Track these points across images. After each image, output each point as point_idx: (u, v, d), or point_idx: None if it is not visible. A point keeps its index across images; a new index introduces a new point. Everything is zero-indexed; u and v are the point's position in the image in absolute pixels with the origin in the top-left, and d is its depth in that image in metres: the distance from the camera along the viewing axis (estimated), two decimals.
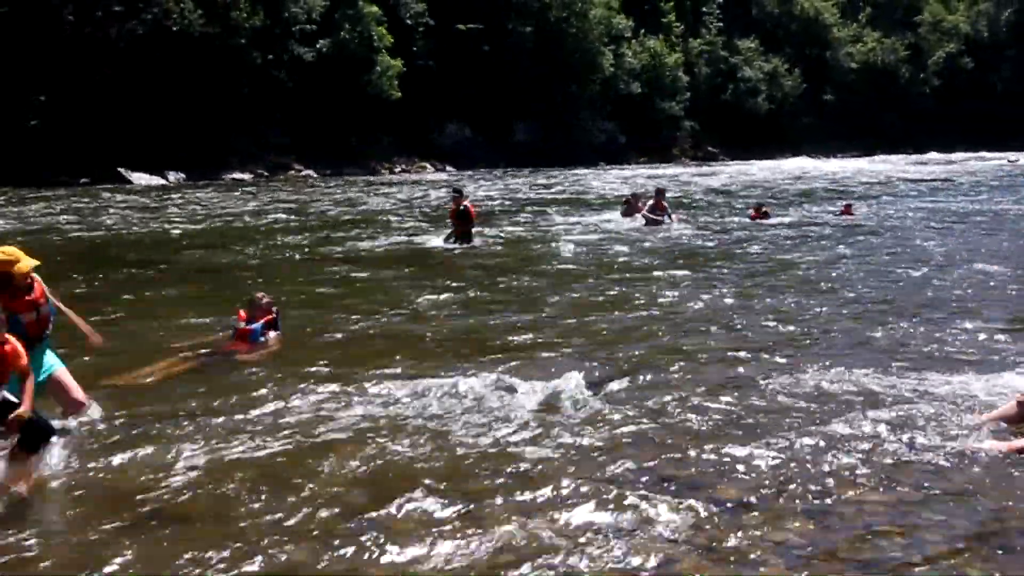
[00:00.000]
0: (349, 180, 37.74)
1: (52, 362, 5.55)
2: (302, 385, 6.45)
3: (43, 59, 34.86)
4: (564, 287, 10.90)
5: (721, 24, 71.04)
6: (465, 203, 15.36)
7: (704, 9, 71.26)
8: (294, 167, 42.28)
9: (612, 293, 10.46)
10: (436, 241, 15.56)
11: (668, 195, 19.61)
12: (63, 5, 35.37)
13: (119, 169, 34.86)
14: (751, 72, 70.06)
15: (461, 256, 14.15)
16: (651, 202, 18.59)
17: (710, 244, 15.57)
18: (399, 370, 6.91)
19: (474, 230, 15.38)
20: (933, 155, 56.70)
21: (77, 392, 5.55)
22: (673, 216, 18.36)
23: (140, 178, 35.02)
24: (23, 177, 31.57)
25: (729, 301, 9.86)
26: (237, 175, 38.83)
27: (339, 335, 8.34)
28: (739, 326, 8.50)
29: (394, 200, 26.87)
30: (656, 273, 12.02)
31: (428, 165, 47.73)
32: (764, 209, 19.03)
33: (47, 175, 32.58)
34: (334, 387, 6.35)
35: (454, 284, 11.01)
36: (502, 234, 17.21)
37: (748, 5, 75.41)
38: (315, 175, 41.00)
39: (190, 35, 38.29)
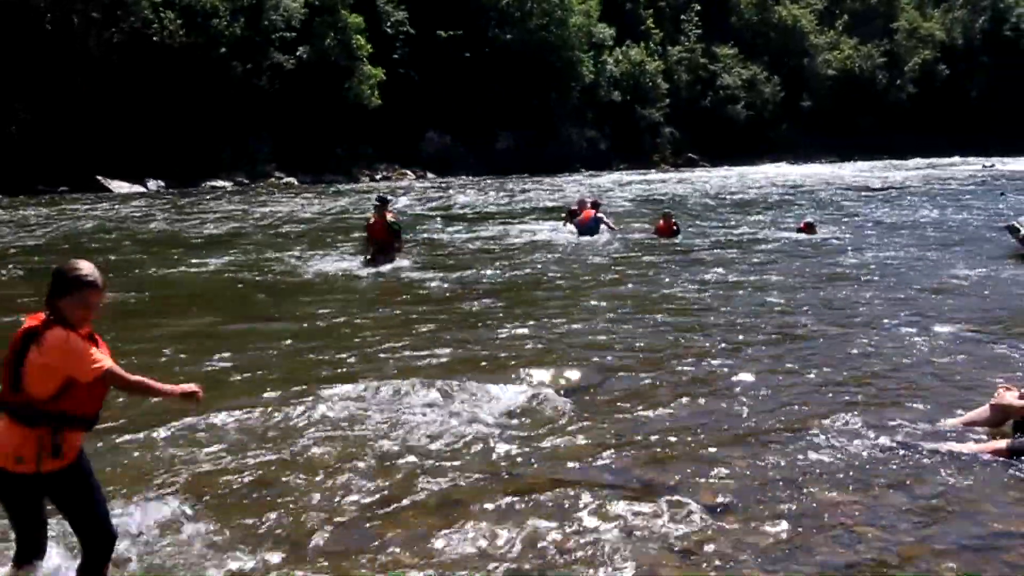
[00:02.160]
0: (321, 189, 37.65)
1: None
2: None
3: (22, 66, 34.58)
4: (529, 297, 10.76)
5: (700, 32, 71.43)
6: (391, 216, 13.15)
7: (683, 17, 71.62)
8: (275, 175, 42.13)
9: (578, 302, 10.31)
10: (347, 264, 13.07)
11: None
12: (42, 13, 35.12)
13: (98, 177, 34.61)
14: (730, 79, 70.46)
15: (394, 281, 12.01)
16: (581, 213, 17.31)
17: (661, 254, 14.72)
18: (372, 380, 6.85)
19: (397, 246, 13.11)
20: (912, 161, 57.23)
21: None
22: (610, 227, 17.14)
23: (120, 186, 34.78)
24: (4, 186, 31.29)
25: (698, 308, 9.89)
26: (218, 183, 38.66)
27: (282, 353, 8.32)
28: (712, 333, 8.50)
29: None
30: (611, 281, 11.89)
31: (410, 172, 47.69)
32: (812, 224, 17.01)
33: (26, 183, 32.31)
34: (306, 399, 6.29)
35: (394, 308, 9.93)
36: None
37: (726, 13, 75.87)
38: (296, 183, 40.89)
39: (169, 45, 38.13)
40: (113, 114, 36.21)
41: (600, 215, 17.16)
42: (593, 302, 10.13)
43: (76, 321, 3.40)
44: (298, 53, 44.03)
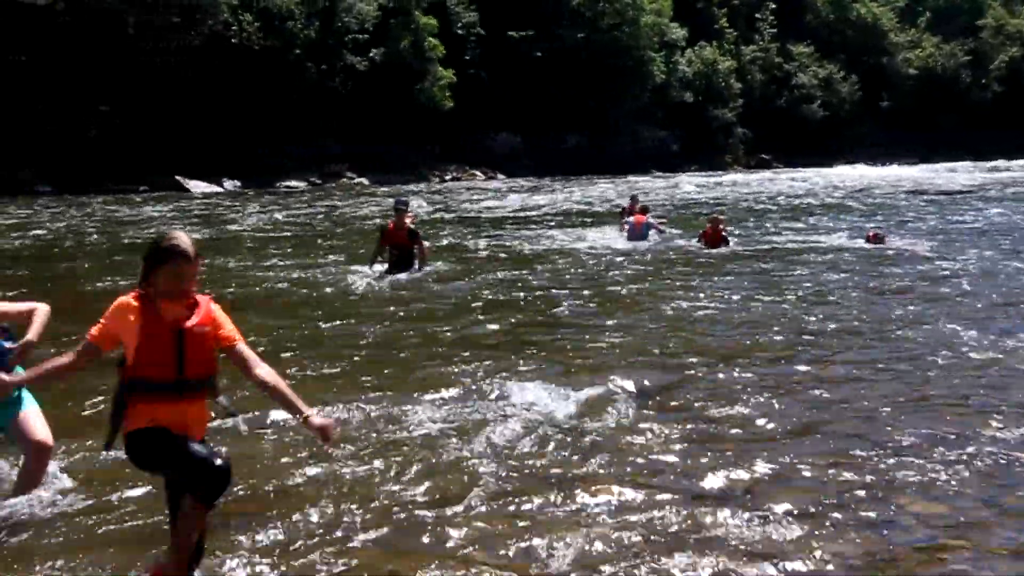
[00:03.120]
0: (397, 188, 38.00)
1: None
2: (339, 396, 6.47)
3: (104, 69, 35.75)
4: (585, 303, 10.49)
5: (775, 30, 70.22)
6: (410, 220, 12.42)
7: (757, 16, 70.52)
8: (347, 175, 42.75)
9: (638, 307, 10.04)
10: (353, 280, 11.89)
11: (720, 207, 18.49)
12: (125, 17, 36.24)
13: (177, 177, 35.56)
14: (805, 78, 69.10)
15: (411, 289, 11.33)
16: (631, 218, 16.93)
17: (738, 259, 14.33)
18: (440, 375, 6.87)
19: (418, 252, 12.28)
20: (995, 162, 55.22)
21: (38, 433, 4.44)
22: (660, 230, 16.72)
23: (197, 186, 35.67)
24: (84, 184, 32.39)
25: (774, 310, 9.64)
26: (291, 183, 39.38)
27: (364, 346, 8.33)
28: (787, 338, 8.24)
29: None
30: (677, 283, 11.67)
31: (479, 173, 47.90)
32: (879, 234, 15.54)
33: (107, 183, 33.38)
34: (378, 396, 6.31)
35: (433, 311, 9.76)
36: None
37: (802, 11, 74.43)
38: (367, 183, 41.40)
39: (247, 47, 39.01)
40: (192, 115, 37.21)
41: (651, 220, 16.79)
42: (652, 307, 9.85)
43: (168, 291, 3.41)
44: (371, 55, 44.62)
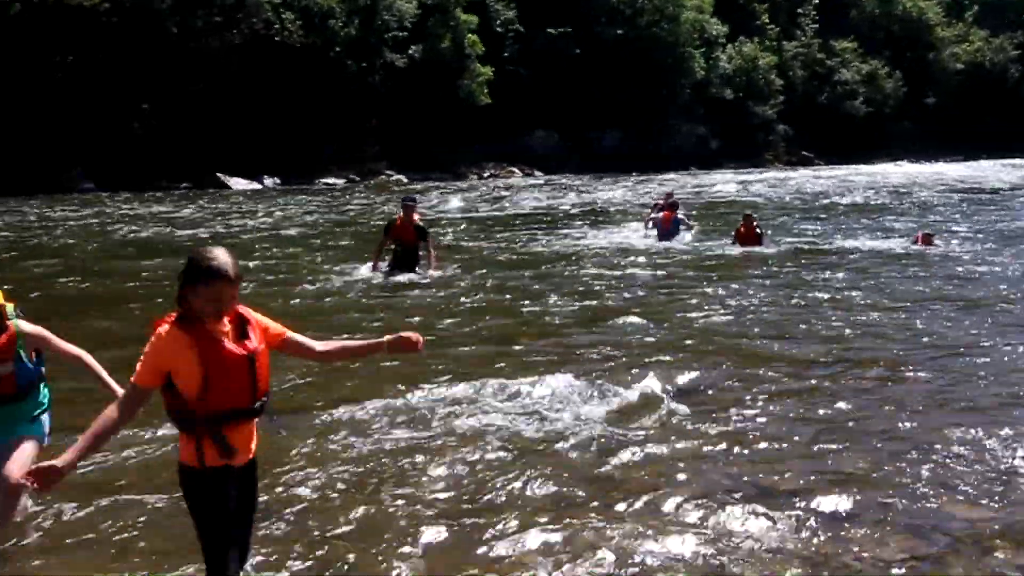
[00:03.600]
0: (434, 185, 38.10)
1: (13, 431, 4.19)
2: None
3: (147, 68, 36.27)
4: (618, 304, 10.27)
5: (817, 26, 69.28)
6: (418, 217, 12.08)
7: (799, 11, 69.62)
8: (385, 172, 42.96)
9: (671, 308, 9.84)
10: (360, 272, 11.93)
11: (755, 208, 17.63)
12: (168, 17, 36.74)
13: (218, 174, 36.00)
14: (848, 74, 68.09)
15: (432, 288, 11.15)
16: (659, 215, 16.67)
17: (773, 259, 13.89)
18: (479, 374, 6.84)
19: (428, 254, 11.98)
20: None
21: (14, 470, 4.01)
22: (689, 226, 16.42)
23: (238, 183, 36.08)
24: (127, 182, 32.91)
25: (812, 312, 9.48)
26: (330, 180, 39.68)
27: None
28: (827, 340, 8.10)
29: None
30: (710, 285, 11.42)
31: (516, 170, 47.86)
32: (931, 235, 14.89)
33: (150, 180, 33.88)
34: (414, 392, 6.30)
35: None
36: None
37: (845, 6, 73.33)
38: (405, 180, 41.58)
39: (289, 45, 39.37)
40: (233, 113, 37.60)
41: (680, 216, 16.40)
42: (686, 308, 9.69)
43: (206, 311, 3.09)
44: (410, 52, 44.79)
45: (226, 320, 3.15)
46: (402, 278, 11.46)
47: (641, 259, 13.92)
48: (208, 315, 3.09)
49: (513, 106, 48.70)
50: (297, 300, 10.51)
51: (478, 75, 46.41)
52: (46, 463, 2.96)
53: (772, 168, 55.42)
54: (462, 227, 19.73)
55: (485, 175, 46.01)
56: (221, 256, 3.09)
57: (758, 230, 15.03)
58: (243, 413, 3.16)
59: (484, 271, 12.60)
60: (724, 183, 36.59)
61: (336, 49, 41.69)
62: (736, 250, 14.53)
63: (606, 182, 38.39)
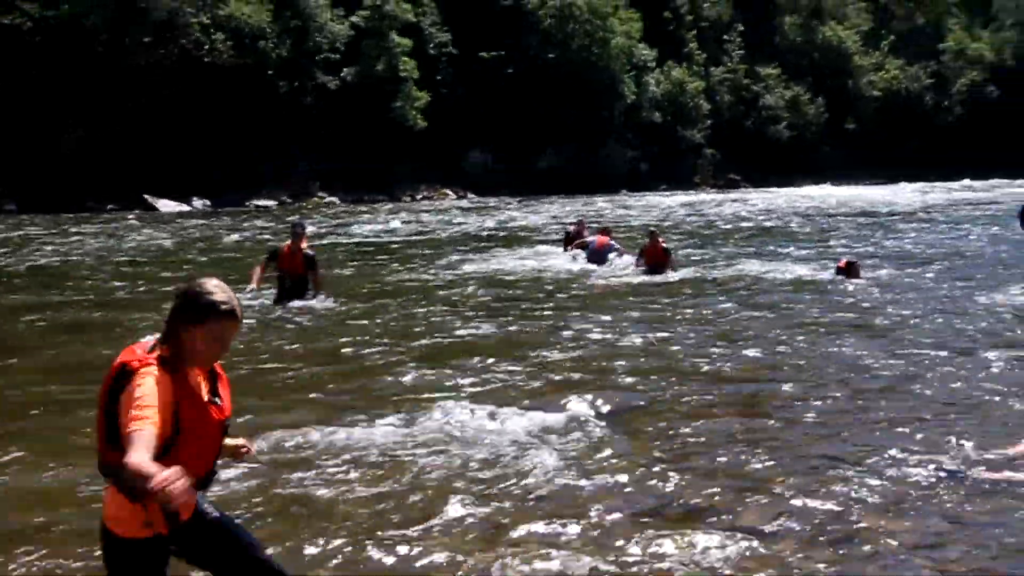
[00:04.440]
0: (368, 207, 37.99)
1: None
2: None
3: (74, 87, 35.51)
4: (546, 325, 10.39)
5: (742, 52, 71.19)
6: (307, 245, 11.38)
7: (726, 37, 71.46)
8: (318, 194, 42.67)
9: (600, 329, 9.89)
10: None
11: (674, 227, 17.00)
12: (94, 35, 36.05)
13: (145, 196, 35.32)
14: (772, 99, 70.03)
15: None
16: (593, 239, 16.31)
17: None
18: (397, 398, 6.86)
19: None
20: (960, 183, 56.26)
21: None
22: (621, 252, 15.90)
23: (166, 205, 35.46)
24: (53, 203, 32.08)
25: (735, 332, 9.73)
26: (262, 202, 39.24)
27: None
28: (754, 358, 8.33)
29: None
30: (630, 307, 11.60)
31: (450, 192, 47.99)
32: (855, 263, 13.91)
33: (77, 201, 33.10)
34: (332, 423, 6.23)
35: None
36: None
37: (770, 34, 75.53)
38: (338, 202, 41.35)
39: (219, 65, 38.96)
40: (162, 133, 37.00)
41: (612, 242, 16.22)
42: (602, 331, 9.71)
43: (198, 357, 2.70)
44: (343, 74, 44.71)
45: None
46: (297, 303, 10.84)
47: (558, 282, 13.89)
48: (203, 361, 2.74)
49: (447, 128, 48.90)
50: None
51: (413, 99, 46.52)
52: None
53: (700, 191, 56.57)
54: (372, 251, 19.67)
55: (419, 197, 46.02)
56: (225, 291, 2.73)
57: (665, 246, 14.86)
58: (196, 483, 2.66)
59: (390, 299, 12.25)
60: (649, 206, 37.24)
61: (268, 70, 41.38)
62: (653, 277, 14.08)
63: (535, 205, 38.71)
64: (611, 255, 15.88)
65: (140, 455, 2.36)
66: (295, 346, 9.02)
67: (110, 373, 2.68)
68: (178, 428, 2.62)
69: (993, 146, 74.61)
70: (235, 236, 23.22)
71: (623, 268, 15.07)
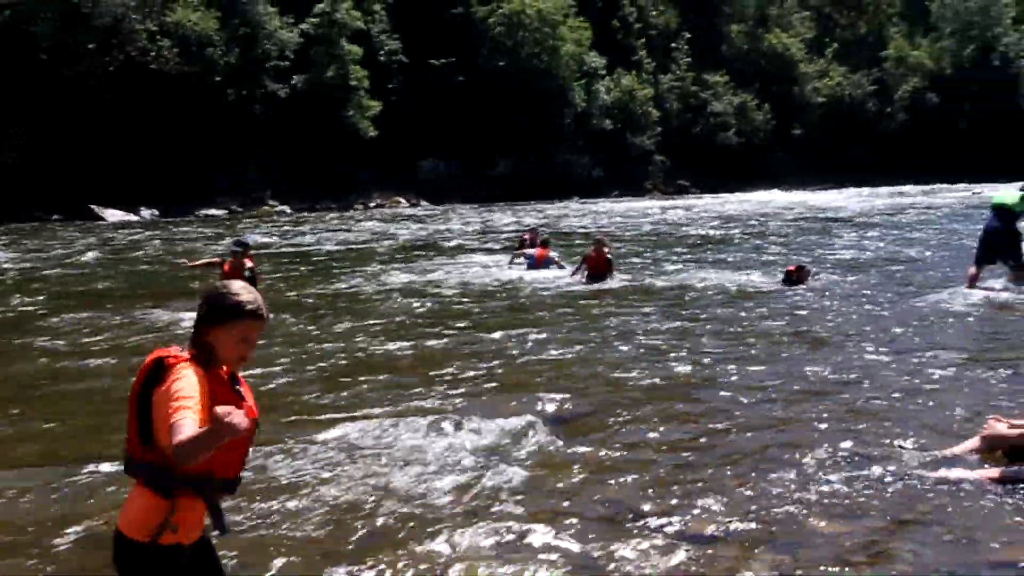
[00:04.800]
0: (314, 216, 37.72)
1: None
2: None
3: (18, 95, 34.76)
4: (492, 333, 10.49)
5: (690, 60, 72.11)
6: (251, 263, 11.17)
7: (673, 45, 72.34)
8: (269, 202, 42.25)
9: (546, 336, 10.01)
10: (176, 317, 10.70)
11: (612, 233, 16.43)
12: (38, 42, 35.32)
13: (92, 206, 34.67)
14: (721, 106, 71.03)
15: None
16: (533, 251, 16.38)
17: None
18: (345, 408, 6.85)
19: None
20: (902, 188, 57.60)
21: None
22: (561, 265, 15.94)
23: (113, 214, 34.85)
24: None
25: (678, 340, 9.83)
26: (212, 211, 38.75)
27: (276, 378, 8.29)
28: (699, 364, 8.43)
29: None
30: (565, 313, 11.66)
31: (403, 199, 47.85)
32: (803, 268, 13.95)
33: (23, 211, 32.38)
34: (279, 434, 6.20)
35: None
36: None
37: (717, 41, 76.65)
38: (290, 210, 40.98)
39: (165, 73, 38.42)
40: (108, 142, 36.37)
41: (553, 255, 16.30)
42: (544, 341, 9.75)
43: (230, 357, 2.77)
44: (292, 82, 44.39)
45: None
46: None
47: (502, 292, 13.88)
48: (231, 361, 2.78)
49: (400, 135, 48.79)
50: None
51: (365, 107, 46.34)
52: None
53: (651, 197, 57.13)
54: (317, 261, 19.53)
55: (371, 205, 45.80)
56: (250, 292, 2.81)
57: (608, 255, 14.73)
58: (227, 485, 2.80)
59: (326, 311, 12.11)
60: (600, 213, 37.51)
61: (216, 78, 40.90)
62: (592, 286, 14.04)
63: (487, 213, 38.77)
64: (552, 267, 15.92)
65: (188, 434, 2.40)
66: None
67: (143, 370, 2.72)
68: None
69: (932, 152, 76.77)
70: (163, 245, 22.90)
71: (563, 278, 14.98)
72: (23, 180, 33.99)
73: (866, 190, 56.12)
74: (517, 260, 16.88)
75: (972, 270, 12.66)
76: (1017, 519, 4.71)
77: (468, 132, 52.21)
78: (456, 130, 51.72)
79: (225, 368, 2.80)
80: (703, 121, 70.25)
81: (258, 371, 8.11)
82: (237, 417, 2.32)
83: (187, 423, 2.44)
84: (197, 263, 11.26)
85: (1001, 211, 12.52)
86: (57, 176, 34.74)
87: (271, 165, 43.05)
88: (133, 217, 35.44)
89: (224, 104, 41.41)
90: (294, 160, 43.61)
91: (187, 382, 2.59)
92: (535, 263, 16.11)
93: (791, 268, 13.86)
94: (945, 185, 59.90)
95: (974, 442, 5.57)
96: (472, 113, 52.43)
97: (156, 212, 36.87)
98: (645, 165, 64.41)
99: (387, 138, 47.29)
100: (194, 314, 2.79)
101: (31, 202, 33.40)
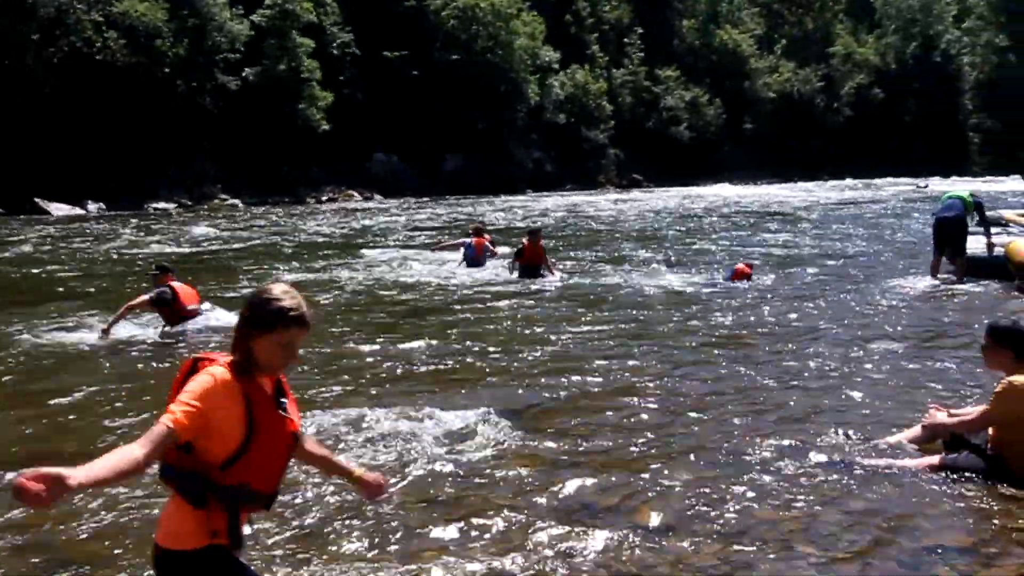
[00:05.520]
0: (263, 210, 37.33)
1: None
2: None
3: None
4: (439, 327, 10.57)
5: (643, 55, 72.64)
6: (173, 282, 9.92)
7: (626, 40, 72.81)
8: (219, 196, 41.67)
9: (494, 331, 10.04)
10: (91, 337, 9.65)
11: (540, 231, 15.13)
12: None
13: (36, 200, 33.88)
14: (673, 101, 71.69)
15: None
16: (470, 240, 16.01)
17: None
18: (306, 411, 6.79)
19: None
20: (849, 181, 58.70)
21: None
22: (495, 254, 15.84)
23: (59, 208, 34.09)
24: None
25: (627, 333, 9.91)
26: (161, 204, 38.12)
27: None
28: (645, 355, 8.55)
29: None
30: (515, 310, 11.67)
31: (355, 193, 47.51)
32: (750, 265, 14.08)
33: None
34: None
35: None
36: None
37: (669, 36, 77.31)
38: (241, 204, 40.47)
39: (112, 64, 37.65)
40: (52, 134, 35.55)
41: (488, 243, 16.09)
42: (510, 331, 9.89)
43: (272, 364, 2.68)
44: (244, 74, 43.79)
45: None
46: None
47: (445, 288, 13.65)
48: (273, 368, 2.69)
49: (352, 129, 48.41)
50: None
51: (317, 99, 45.87)
52: (58, 470, 2.19)
53: (604, 191, 57.48)
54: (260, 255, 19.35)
55: (323, 199, 45.42)
56: (294, 297, 2.70)
57: (542, 245, 14.42)
58: (262, 499, 2.73)
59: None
60: (553, 207, 37.65)
61: (165, 69, 40.19)
62: (533, 283, 13.61)
63: (434, 207, 38.70)
64: (487, 255, 15.70)
65: (118, 454, 2.36)
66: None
67: (181, 374, 2.69)
68: (250, 436, 2.59)
69: (877, 146, 78.49)
70: (109, 243, 22.53)
71: (500, 272, 14.77)
72: None
73: (813, 184, 57.09)
74: (451, 253, 16.27)
75: (934, 259, 13.13)
76: (958, 505, 4.88)
77: (421, 126, 52.00)
78: (409, 124, 51.47)
79: (269, 378, 2.72)
80: (656, 115, 70.85)
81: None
82: (19, 480, 2.12)
83: (153, 432, 2.43)
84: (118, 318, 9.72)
85: (953, 202, 12.99)
86: (0, 169, 33.89)
87: (222, 158, 42.45)
88: (79, 211, 34.72)
89: (174, 96, 40.69)
90: (246, 153, 43.04)
91: (197, 384, 2.55)
92: (475, 255, 15.64)
93: (739, 267, 13.88)
94: (890, 179, 61.11)
95: (915, 431, 5.73)
96: (425, 107, 52.22)
97: (103, 206, 36.13)
98: (599, 159, 64.77)
99: (339, 132, 46.89)
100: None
101: None
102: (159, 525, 2.69)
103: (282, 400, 2.76)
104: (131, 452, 2.38)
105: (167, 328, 9.79)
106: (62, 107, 36.03)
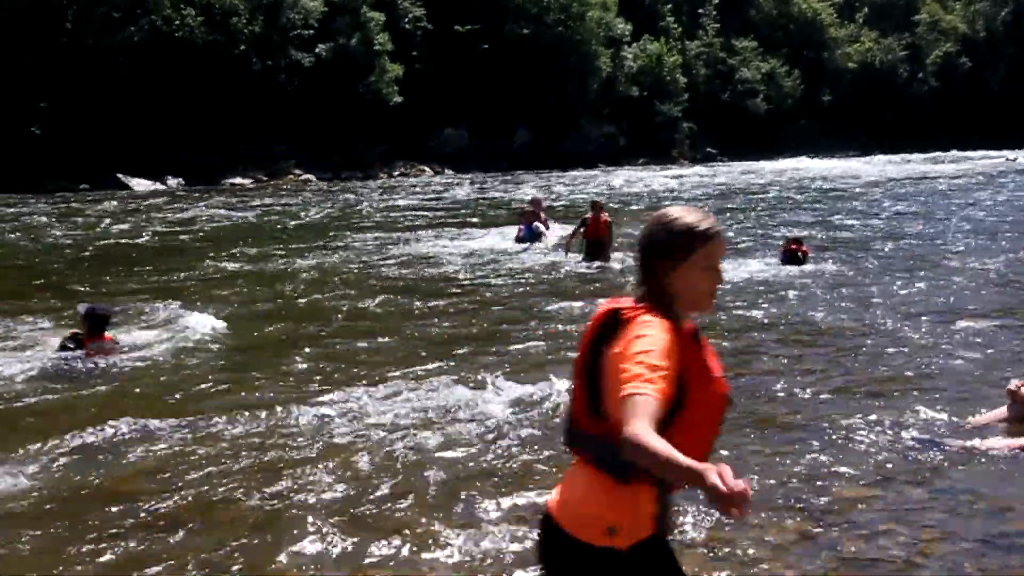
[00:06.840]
0: (345, 185, 37.80)
1: None
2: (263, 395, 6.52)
3: (44, 65, 34.98)
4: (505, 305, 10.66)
5: (718, 25, 71.11)
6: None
7: (700, 11, 71.34)
8: (294, 172, 42.37)
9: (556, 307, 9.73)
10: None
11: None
12: (63, 11, 35.46)
13: (118, 175, 34.94)
14: (749, 73, 70.06)
15: None
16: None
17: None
18: (371, 377, 6.87)
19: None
20: (933, 155, 56.68)
21: None
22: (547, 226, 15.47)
23: (140, 184, 35.10)
24: (26, 183, 31.67)
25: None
26: (237, 180, 38.93)
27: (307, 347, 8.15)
28: (723, 330, 8.41)
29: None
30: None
31: (427, 168, 47.78)
32: (799, 242, 12.85)
33: (49, 181, 32.67)
34: (299, 402, 6.23)
35: None
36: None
37: (745, 6, 75.49)
38: (315, 179, 41.10)
39: (191, 42, 38.47)
40: (133, 112, 36.56)
41: (542, 214, 15.83)
42: (564, 308, 9.66)
43: (700, 296, 2.23)
44: (317, 51, 44.31)
45: None
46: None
47: (507, 264, 13.38)
48: (701, 303, 2.24)
49: (423, 104, 48.59)
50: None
51: (387, 72, 46.14)
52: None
53: (678, 165, 56.66)
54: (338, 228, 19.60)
55: (395, 174, 45.80)
56: (696, 212, 2.27)
57: (608, 220, 13.38)
58: None
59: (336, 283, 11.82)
60: (627, 181, 37.22)
61: (241, 47, 40.90)
62: (591, 266, 12.87)
63: (515, 180, 38.63)
64: (541, 228, 15.40)
65: (646, 430, 1.85)
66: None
67: (593, 326, 2.24)
68: (681, 402, 2.09)
69: (964, 117, 75.51)
70: (187, 214, 23.06)
71: (557, 246, 14.26)
72: (49, 150, 34.23)
73: (897, 157, 55.32)
74: (521, 229, 15.69)
75: None
76: None
77: (490, 100, 51.89)
78: (478, 98, 51.41)
79: (687, 324, 2.23)
80: (731, 88, 69.37)
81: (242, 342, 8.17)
82: (714, 479, 1.74)
83: (641, 402, 1.91)
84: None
85: None
86: (84, 146, 34.97)
87: (296, 134, 43.07)
88: (160, 186, 35.68)
89: (249, 73, 41.42)
90: (318, 129, 43.61)
91: (650, 340, 2.05)
92: (528, 226, 15.42)
93: (793, 245, 12.68)
94: (978, 152, 58.84)
95: (1002, 411, 5.52)
96: (495, 81, 52.06)
97: (182, 181, 37.09)
98: (672, 132, 63.78)
99: (410, 107, 47.12)
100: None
101: (59, 172, 33.63)
102: (560, 495, 2.26)
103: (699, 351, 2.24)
104: (658, 440, 1.85)
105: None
106: (143, 85, 36.97)
